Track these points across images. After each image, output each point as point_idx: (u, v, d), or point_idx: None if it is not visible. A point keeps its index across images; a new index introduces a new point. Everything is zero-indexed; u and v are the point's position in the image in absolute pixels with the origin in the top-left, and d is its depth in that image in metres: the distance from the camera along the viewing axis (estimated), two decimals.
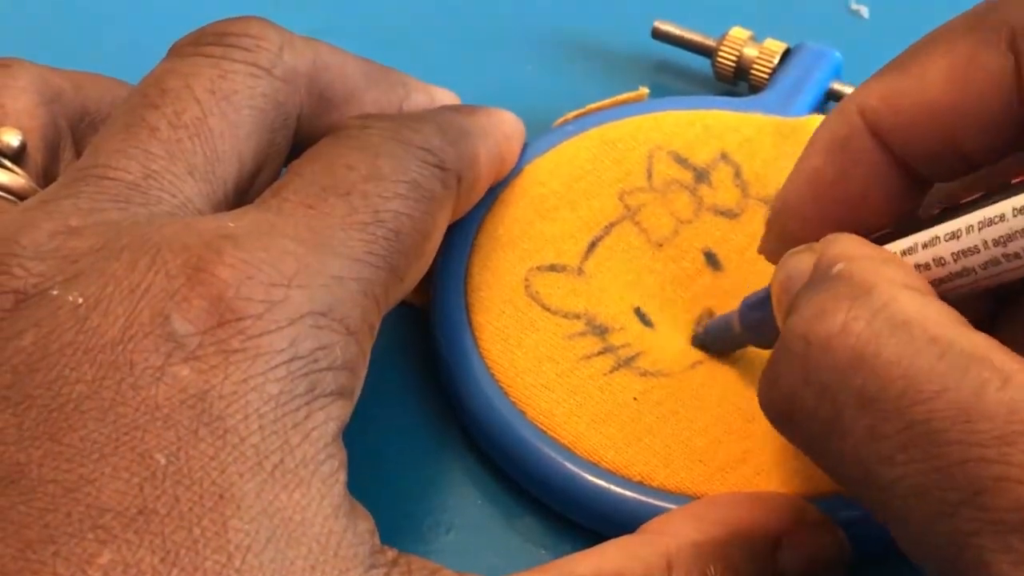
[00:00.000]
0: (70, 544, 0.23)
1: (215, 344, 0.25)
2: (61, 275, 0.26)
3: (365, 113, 0.31)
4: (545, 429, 0.31)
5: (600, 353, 0.32)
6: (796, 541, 0.28)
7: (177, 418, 0.24)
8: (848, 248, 0.27)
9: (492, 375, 0.32)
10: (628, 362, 0.32)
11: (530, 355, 0.32)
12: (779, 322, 0.27)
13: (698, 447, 0.31)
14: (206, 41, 0.30)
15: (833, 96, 0.38)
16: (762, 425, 0.31)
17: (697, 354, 0.33)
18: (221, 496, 0.24)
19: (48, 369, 0.25)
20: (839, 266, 0.26)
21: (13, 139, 0.31)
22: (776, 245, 0.30)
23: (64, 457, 0.24)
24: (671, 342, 0.33)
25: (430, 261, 0.30)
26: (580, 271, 0.34)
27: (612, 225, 0.35)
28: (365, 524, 0.26)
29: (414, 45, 0.41)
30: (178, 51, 0.30)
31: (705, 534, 0.28)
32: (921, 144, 0.28)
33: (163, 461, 0.24)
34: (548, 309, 0.33)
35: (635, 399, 0.32)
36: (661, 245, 0.34)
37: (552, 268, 0.34)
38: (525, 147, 0.35)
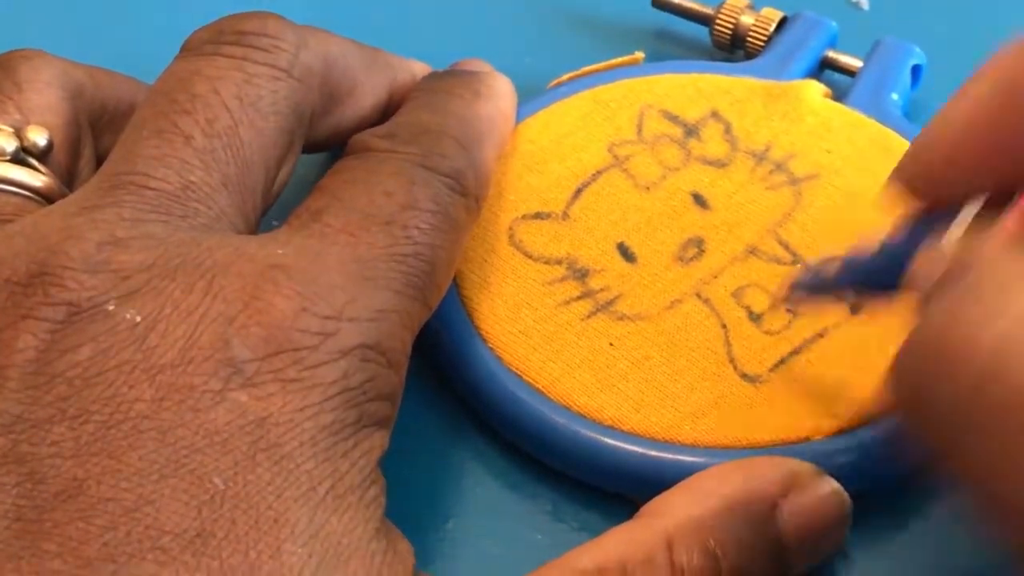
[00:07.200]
0: (129, 565, 0.23)
1: (272, 372, 0.25)
2: (115, 291, 0.25)
3: (387, 131, 0.31)
4: (521, 374, 0.31)
5: (579, 298, 0.32)
6: (792, 500, 0.28)
7: (235, 443, 0.24)
8: (990, 248, 0.25)
9: (472, 322, 0.32)
10: (606, 306, 0.32)
11: (509, 302, 0.32)
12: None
13: (671, 392, 0.31)
14: (225, 40, 0.30)
15: (827, 64, 0.38)
16: (735, 371, 0.31)
17: (676, 292, 0.32)
18: (276, 520, 0.24)
19: (106, 385, 0.24)
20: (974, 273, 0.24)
21: (40, 138, 0.30)
22: (911, 175, 0.27)
23: (123, 476, 0.24)
24: (652, 278, 0.33)
25: (449, 284, 0.30)
26: (565, 215, 0.34)
27: (600, 172, 0.35)
28: (404, 545, 0.26)
29: (414, 13, 0.42)
30: (196, 49, 0.30)
31: (701, 507, 0.27)
32: None
33: (221, 485, 0.24)
34: (530, 257, 0.33)
35: (611, 344, 0.32)
36: (648, 188, 0.34)
37: (537, 216, 0.34)
38: (517, 108, 0.35)
